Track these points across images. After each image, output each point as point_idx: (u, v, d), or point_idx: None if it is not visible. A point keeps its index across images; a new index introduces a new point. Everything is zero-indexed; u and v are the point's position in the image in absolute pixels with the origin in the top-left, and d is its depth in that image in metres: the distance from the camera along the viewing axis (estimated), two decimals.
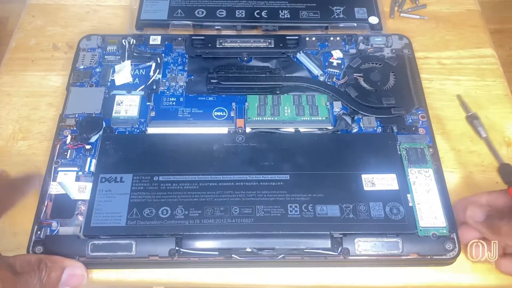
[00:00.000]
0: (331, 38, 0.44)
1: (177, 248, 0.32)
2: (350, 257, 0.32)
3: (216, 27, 0.45)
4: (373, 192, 0.34)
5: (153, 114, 0.39)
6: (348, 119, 0.39)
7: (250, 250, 0.32)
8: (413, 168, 0.36)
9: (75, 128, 0.38)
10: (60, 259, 0.31)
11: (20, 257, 0.30)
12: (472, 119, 0.38)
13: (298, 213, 0.33)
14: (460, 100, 0.39)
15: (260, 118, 0.38)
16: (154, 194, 0.34)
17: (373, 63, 0.42)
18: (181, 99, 0.40)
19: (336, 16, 0.45)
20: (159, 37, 0.44)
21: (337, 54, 0.43)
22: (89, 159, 0.36)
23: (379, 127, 0.39)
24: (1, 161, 0.38)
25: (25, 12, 0.48)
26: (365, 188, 0.34)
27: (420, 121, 0.39)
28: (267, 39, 0.43)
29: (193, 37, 0.43)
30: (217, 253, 0.32)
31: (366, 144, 0.37)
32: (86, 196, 0.34)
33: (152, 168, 0.35)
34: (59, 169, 0.36)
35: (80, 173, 0.36)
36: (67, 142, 0.37)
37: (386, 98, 0.39)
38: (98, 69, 0.42)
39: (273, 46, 0.43)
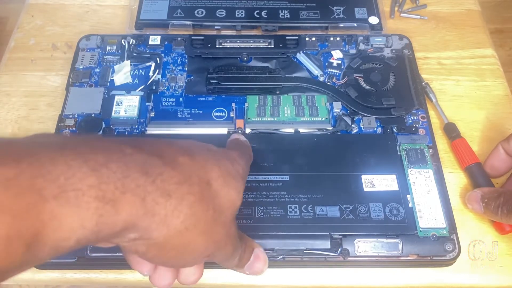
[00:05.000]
0: (331, 38, 0.44)
1: None
2: (349, 258, 0.32)
3: (216, 27, 0.45)
4: (373, 193, 0.34)
5: (152, 114, 0.39)
6: (348, 120, 0.38)
7: None
8: (413, 169, 0.36)
9: (74, 129, 0.38)
10: (250, 239, 0.29)
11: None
12: (425, 88, 0.41)
13: (297, 214, 0.33)
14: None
15: (260, 119, 0.38)
16: None
17: (373, 64, 0.42)
18: (181, 99, 0.40)
19: (336, 16, 0.45)
20: (158, 37, 0.43)
21: (337, 54, 0.43)
22: None
23: (379, 128, 0.39)
24: None
25: (24, 12, 0.48)
26: (365, 189, 0.34)
27: (420, 122, 0.39)
28: (267, 39, 0.43)
29: (193, 37, 0.43)
30: None
31: (366, 145, 0.37)
32: None
33: None
34: None
35: None
36: None
37: (386, 98, 0.39)
38: (97, 69, 0.42)
39: (273, 46, 0.43)
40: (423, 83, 0.41)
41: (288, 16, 0.45)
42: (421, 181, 0.35)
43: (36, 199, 0.17)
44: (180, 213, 0.21)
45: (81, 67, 0.42)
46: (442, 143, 0.39)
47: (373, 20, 0.45)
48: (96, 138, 0.21)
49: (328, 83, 0.41)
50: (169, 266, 0.25)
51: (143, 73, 0.42)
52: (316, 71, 0.42)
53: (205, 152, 0.24)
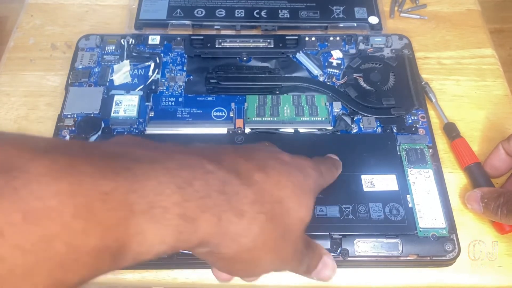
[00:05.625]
0: (331, 38, 0.44)
1: None
2: (349, 258, 0.32)
3: (215, 27, 0.45)
4: (372, 193, 0.34)
5: (152, 114, 0.39)
6: (348, 120, 0.38)
7: None
8: (413, 169, 0.35)
9: (73, 128, 0.38)
10: (318, 246, 0.28)
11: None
12: (424, 88, 0.41)
13: None
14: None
15: (260, 119, 0.38)
16: None
17: (373, 63, 0.42)
18: (180, 99, 0.40)
19: (336, 16, 0.45)
20: (158, 37, 0.43)
21: (336, 54, 0.43)
22: None
23: (379, 128, 0.38)
24: None
25: (23, 12, 0.48)
26: (365, 189, 0.34)
27: (420, 122, 0.39)
28: (267, 39, 0.43)
29: (192, 37, 0.43)
30: None
31: (366, 145, 0.36)
32: None
33: None
34: None
35: None
36: None
37: (386, 98, 0.39)
38: (96, 69, 0.42)
39: (272, 46, 0.43)
40: (423, 83, 0.41)
41: (288, 16, 0.45)
42: (421, 181, 0.35)
43: (127, 213, 0.17)
44: (250, 231, 0.21)
45: (80, 66, 0.42)
46: (442, 143, 0.39)
47: (373, 20, 0.45)
48: (177, 150, 0.22)
49: (328, 83, 0.41)
50: (235, 276, 0.26)
51: (142, 73, 0.41)
52: (316, 71, 0.42)
53: (279, 166, 0.24)
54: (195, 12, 0.45)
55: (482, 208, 0.33)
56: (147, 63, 0.42)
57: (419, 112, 0.39)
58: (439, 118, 0.40)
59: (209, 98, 0.40)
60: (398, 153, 0.36)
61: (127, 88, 0.40)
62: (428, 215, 0.33)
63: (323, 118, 0.38)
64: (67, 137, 0.37)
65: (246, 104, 0.39)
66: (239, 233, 0.21)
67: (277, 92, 0.40)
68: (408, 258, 0.32)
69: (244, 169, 0.22)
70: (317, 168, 0.27)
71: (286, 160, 0.25)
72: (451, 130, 0.39)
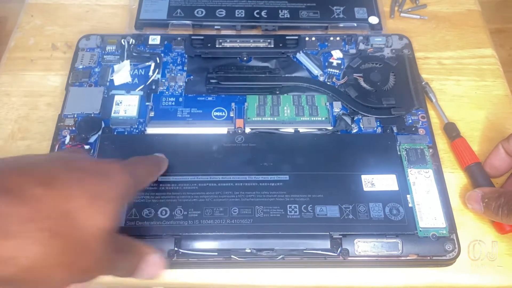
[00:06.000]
0: (331, 38, 0.44)
1: (176, 248, 0.32)
2: (349, 258, 0.32)
3: (216, 27, 0.45)
4: (372, 193, 0.34)
5: (152, 114, 0.39)
6: (348, 120, 0.38)
7: (249, 250, 0.32)
8: (413, 169, 0.36)
9: (74, 128, 0.38)
10: (139, 246, 0.27)
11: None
12: (424, 88, 0.41)
13: (297, 214, 0.33)
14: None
15: (260, 118, 0.38)
16: (153, 195, 0.33)
17: (373, 63, 0.42)
18: (180, 99, 0.40)
19: (336, 16, 0.45)
20: (158, 37, 0.43)
21: (337, 54, 0.43)
22: None
23: (379, 128, 0.38)
24: None
25: (24, 12, 0.48)
26: (365, 189, 0.34)
27: (420, 122, 0.39)
28: (267, 39, 0.43)
29: (193, 37, 0.43)
30: (216, 253, 0.32)
31: (366, 145, 0.36)
32: None
33: None
34: None
35: None
36: (66, 142, 0.37)
37: (386, 98, 0.39)
38: (97, 69, 0.42)
39: (272, 46, 0.43)
40: (423, 83, 0.41)
41: (288, 16, 0.45)
42: (421, 181, 0.35)
43: None
44: (27, 252, 0.20)
45: (80, 67, 0.42)
46: (442, 143, 0.39)
47: (373, 20, 0.45)
48: None
49: (328, 83, 0.41)
50: None
51: (142, 73, 0.41)
52: (316, 71, 0.42)
53: (70, 175, 0.23)
54: (196, 12, 0.45)
55: (483, 208, 0.33)
56: (147, 63, 0.42)
57: (419, 112, 0.39)
58: (439, 118, 0.40)
59: (209, 98, 0.40)
60: (398, 153, 0.36)
61: (127, 88, 0.40)
62: (428, 215, 0.33)
63: (323, 118, 0.38)
64: (67, 137, 0.37)
65: (246, 104, 0.39)
66: (10, 255, 0.20)
67: (277, 92, 0.40)
68: (408, 258, 0.32)
69: (18, 184, 0.21)
70: (126, 171, 0.26)
71: (83, 167, 0.24)
72: (451, 130, 0.39)
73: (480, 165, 0.36)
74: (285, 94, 0.40)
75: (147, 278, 0.27)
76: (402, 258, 0.33)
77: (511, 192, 0.32)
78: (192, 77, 0.41)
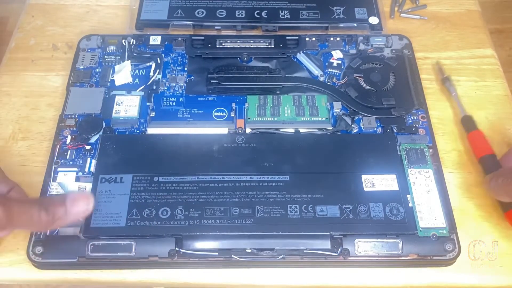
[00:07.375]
0: (331, 39, 0.44)
1: (177, 248, 0.32)
2: (350, 258, 0.32)
3: (216, 27, 0.45)
4: (373, 193, 0.34)
5: (153, 114, 0.39)
6: (348, 120, 0.38)
7: (250, 250, 0.32)
8: (413, 169, 0.36)
9: (75, 129, 0.38)
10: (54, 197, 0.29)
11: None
12: (445, 81, 0.42)
13: (298, 214, 0.33)
14: (438, 66, 0.44)
15: (260, 119, 0.38)
16: (154, 195, 0.34)
17: (373, 64, 0.42)
18: (181, 99, 0.40)
19: (336, 16, 0.45)
20: (159, 37, 0.43)
21: (337, 54, 0.43)
22: (89, 159, 0.36)
23: (379, 128, 0.39)
24: (0, 161, 0.38)
25: (24, 12, 0.48)
26: (365, 189, 0.34)
27: (420, 122, 0.39)
28: (267, 40, 0.43)
29: (193, 37, 0.43)
30: (217, 253, 0.32)
31: (366, 145, 0.37)
32: None
33: (152, 169, 0.35)
34: (59, 169, 0.36)
35: (80, 173, 0.36)
36: (67, 142, 0.37)
37: (386, 98, 0.39)
38: (98, 69, 0.42)
39: (273, 46, 0.43)
40: (444, 76, 0.42)
41: (288, 16, 0.45)
42: (421, 181, 0.35)
43: None
44: None
45: (81, 67, 0.42)
46: (442, 143, 0.39)
47: (373, 20, 0.45)
48: None
49: (328, 83, 0.41)
50: None
51: (143, 73, 0.42)
52: (316, 71, 0.42)
53: None
54: (196, 12, 0.45)
55: (502, 183, 0.32)
56: (148, 64, 0.42)
57: (419, 112, 0.39)
58: (454, 111, 0.41)
59: (210, 98, 0.40)
60: (398, 153, 0.36)
61: (128, 88, 0.41)
62: (428, 215, 0.33)
63: (324, 118, 0.39)
64: (68, 137, 0.37)
65: (246, 104, 0.39)
66: None
67: (278, 92, 0.40)
68: (408, 257, 0.33)
69: None
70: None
71: None
72: (468, 122, 0.39)
73: (495, 157, 0.37)
74: (286, 95, 0.40)
75: (80, 214, 0.29)
76: (402, 258, 0.33)
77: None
78: (192, 77, 0.41)
